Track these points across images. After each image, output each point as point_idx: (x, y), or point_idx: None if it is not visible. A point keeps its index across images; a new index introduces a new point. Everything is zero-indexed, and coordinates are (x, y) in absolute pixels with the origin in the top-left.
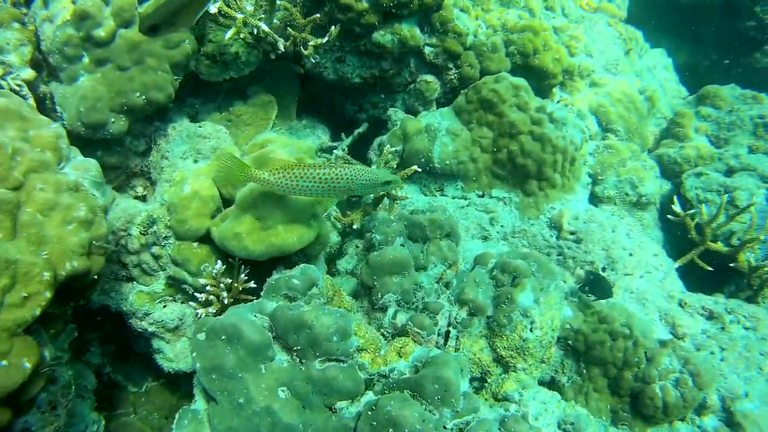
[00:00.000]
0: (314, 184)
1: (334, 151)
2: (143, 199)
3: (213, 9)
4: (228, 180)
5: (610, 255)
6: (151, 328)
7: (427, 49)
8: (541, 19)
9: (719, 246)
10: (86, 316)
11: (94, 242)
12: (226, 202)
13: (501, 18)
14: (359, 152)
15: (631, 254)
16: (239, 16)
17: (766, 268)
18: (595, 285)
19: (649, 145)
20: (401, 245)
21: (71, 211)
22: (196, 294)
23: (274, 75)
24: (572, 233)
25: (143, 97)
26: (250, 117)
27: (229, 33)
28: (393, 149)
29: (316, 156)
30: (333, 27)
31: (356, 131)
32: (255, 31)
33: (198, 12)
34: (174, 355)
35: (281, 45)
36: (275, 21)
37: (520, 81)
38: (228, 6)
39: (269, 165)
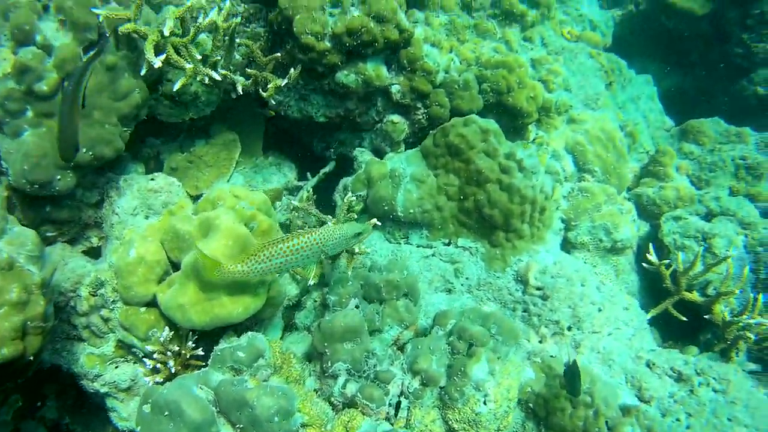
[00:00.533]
0: (287, 257)
1: (301, 191)
2: (98, 250)
3: (157, 63)
4: (199, 276)
5: (577, 313)
6: (103, 389)
7: (394, 88)
8: (518, 51)
9: (695, 296)
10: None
11: (29, 323)
12: (175, 264)
13: (476, 51)
14: (326, 191)
15: (600, 309)
16: (188, 66)
17: (740, 324)
18: (567, 378)
19: (628, 184)
20: (356, 306)
21: (2, 295)
22: (144, 359)
23: (239, 111)
24: (539, 289)
25: (90, 153)
26: (212, 158)
27: (178, 84)
28: (353, 197)
29: (272, 208)
30: (293, 69)
31: (322, 171)
32: (206, 80)
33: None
34: (128, 414)
35: (240, 87)
36: (237, 57)
37: (490, 125)
38: (178, 54)
39: (240, 257)
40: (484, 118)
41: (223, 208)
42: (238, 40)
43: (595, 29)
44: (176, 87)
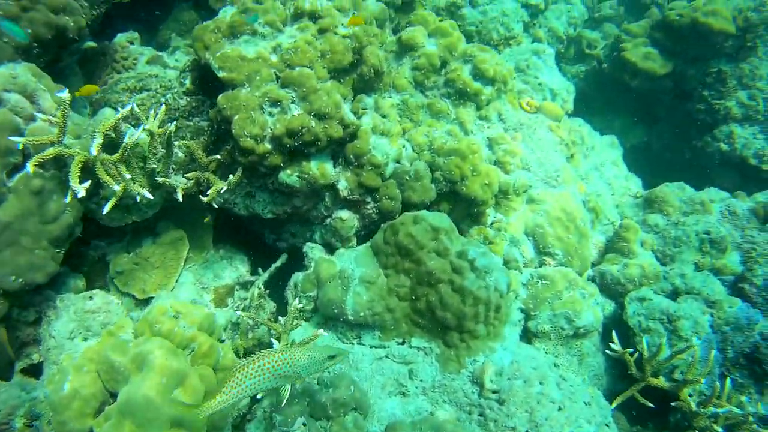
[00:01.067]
0: (260, 377)
1: (252, 287)
2: (40, 367)
3: (81, 193)
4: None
5: (534, 418)
6: None
7: (341, 185)
8: (473, 132)
9: (661, 381)
10: None
11: None
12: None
13: (429, 135)
14: (279, 285)
15: (560, 408)
16: (116, 188)
17: (707, 415)
18: None
19: (591, 260)
20: (303, 425)
21: None
22: None
23: (186, 206)
24: (495, 392)
25: (20, 280)
26: (158, 259)
27: (107, 207)
28: (300, 305)
29: (215, 324)
30: (232, 176)
31: (274, 266)
32: (137, 198)
33: None
34: None
35: (180, 194)
36: (180, 154)
37: (441, 223)
38: (107, 173)
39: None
40: (435, 213)
41: (158, 340)
42: (177, 143)
43: (555, 98)
44: (105, 210)
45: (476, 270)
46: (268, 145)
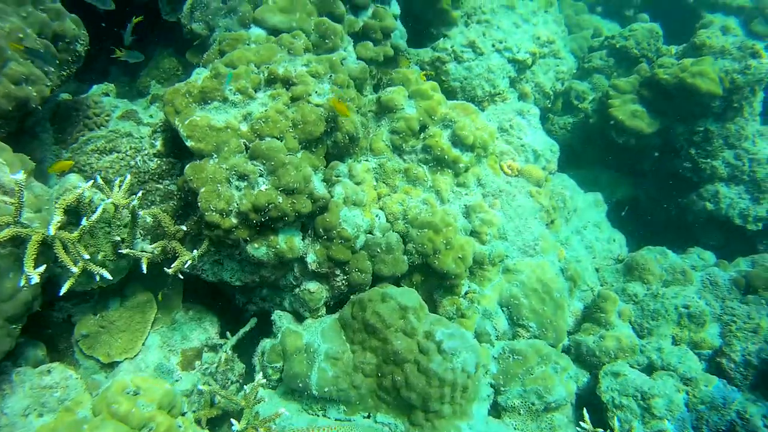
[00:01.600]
0: None
1: (220, 352)
2: None
3: (35, 279)
4: None
5: None
6: None
7: (310, 258)
8: (450, 201)
9: None
10: None
11: None
12: None
13: (403, 203)
14: (248, 349)
15: None
16: (74, 270)
17: None
18: None
19: (568, 329)
20: None
21: None
22: None
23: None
24: None
25: None
26: (124, 322)
27: (64, 288)
28: (263, 382)
29: (176, 399)
30: (196, 251)
31: (242, 330)
32: (98, 276)
33: None
34: None
35: (144, 265)
36: (148, 219)
37: (409, 301)
38: (66, 252)
39: None
40: (404, 290)
41: (113, 425)
42: (143, 212)
43: (537, 159)
44: (62, 291)
45: (443, 352)
46: (234, 220)
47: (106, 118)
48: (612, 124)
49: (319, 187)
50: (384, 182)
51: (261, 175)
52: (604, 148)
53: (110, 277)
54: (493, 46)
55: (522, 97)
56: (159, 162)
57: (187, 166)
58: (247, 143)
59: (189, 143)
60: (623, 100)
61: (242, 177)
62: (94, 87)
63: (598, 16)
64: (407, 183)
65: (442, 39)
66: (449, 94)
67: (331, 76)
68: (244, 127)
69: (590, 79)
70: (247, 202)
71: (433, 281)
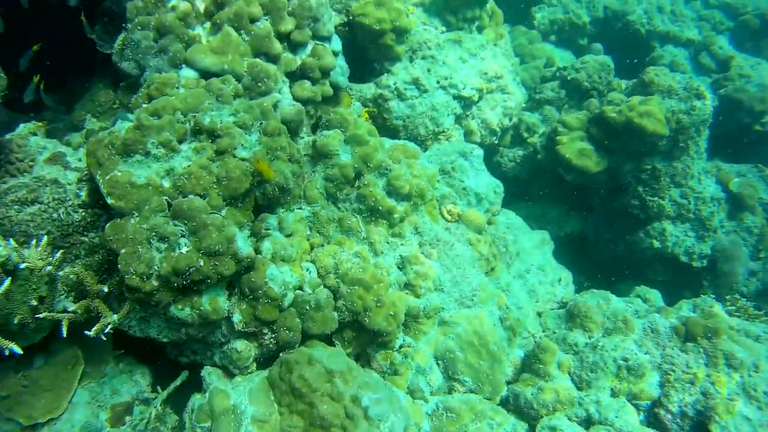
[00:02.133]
0: None
1: (150, 407)
2: None
3: None
4: None
5: None
6: None
7: (236, 318)
8: (384, 253)
9: None
10: None
11: None
12: None
13: (335, 257)
14: (181, 399)
15: None
16: None
17: None
18: None
19: (507, 379)
20: None
21: None
22: None
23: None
24: None
25: None
26: (49, 381)
27: None
28: None
29: None
30: (116, 316)
31: (173, 384)
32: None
33: None
34: None
35: (65, 328)
36: (71, 276)
37: (336, 364)
38: None
39: None
40: (331, 352)
41: None
42: (62, 273)
43: (480, 202)
44: None
45: (369, 419)
46: (156, 283)
47: (30, 163)
48: (560, 162)
49: (243, 248)
50: (318, 232)
51: (183, 236)
52: (553, 182)
53: (20, 351)
54: (438, 82)
55: (468, 134)
56: (84, 213)
57: (108, 225)
58: (169, 200)
59: (109, 201)
60: (571, 138)
61: (163, 238)
62: (21, 126)
63: (552, 44)
64: (341, 233)
65: (385, 75)
66: (392, 132)
67: (261, 123)
68: (166, 183)
69: (541, 110)
70: (168, 266)
71: (366, 337)
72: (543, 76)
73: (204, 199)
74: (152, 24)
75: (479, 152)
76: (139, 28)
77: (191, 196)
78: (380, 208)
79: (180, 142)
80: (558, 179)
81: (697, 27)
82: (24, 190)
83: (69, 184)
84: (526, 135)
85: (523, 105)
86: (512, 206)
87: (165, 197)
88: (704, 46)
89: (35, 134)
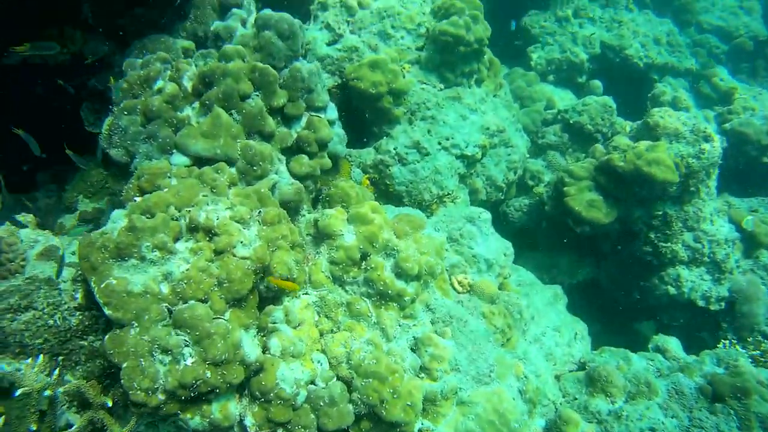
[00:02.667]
0: None
1: None
2: None
3: None
4: None
5: None
6: None
7: (249, 421)
8: (396, 338)
9: None
10: None
11: None
12: None
13: (347, 345)
14: None
15: None
16: None
17: None
18: None
19: None
20: None
21: None
22: None
23: None
24: None
25: None
26: None
27: None
28: None
29: None
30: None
31: None
32: None
33: None
34: None
35: None
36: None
37: None
38: None
39: None
40: None
41: None
42: (61, 390)
43: (491, 267)
44: None
45: None
46: (162, 396)
47: (22, 263)
48: (569, 214)
49: (251, 353)
50: (326, 316)
51: (187, 345)
52: (562, 232)
53: None
54: (440, 144)
55: (473, 192)
56: (81, 316)
57: (107, 337)
58: (169, 307)
59: (107, 311)
60: (579, 188)
61: (166, 350)
62: (10, 219)
63: (551, 84)
64: (351, 318)
65: (384, 139)
66: (395, 198)
67: (259, 212)
68: (165, 289)
69: (545, 156)
70: (173, 380)
71: (383, 427)
72: (544, 119)
73: (206, 303)
74: (139, 108)
75: (486, 216)
76: (126, 113)
77: (192, 302)
78: (390, 292)
79: (176, 240)
80: (566, 229)
81: (693, 55)
82: (17, 296)
83: (64, 282)
84: (531, 183)
85: (526, 156)
86: (521, 257)
87: (165, 304)
88: (703, 76)
89: (25, 226)
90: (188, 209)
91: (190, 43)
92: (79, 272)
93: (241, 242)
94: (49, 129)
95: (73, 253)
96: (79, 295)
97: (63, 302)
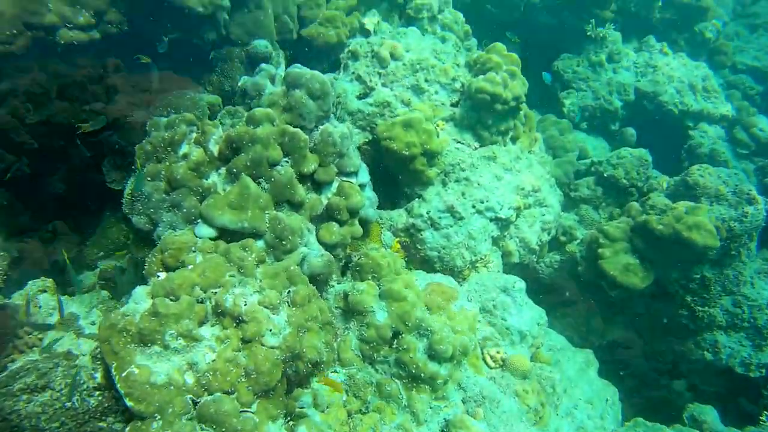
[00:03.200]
0: None
1: None
2: None
3: None
4: None
5: None
6: None
7: None
8: (427, 422)
9: None
10: None
11: None
12: None
13: (375, 429)
14: None
15: None
16: None
17: None
18: None
19: None
20: None
21: None
22: None
23: None
24: None
25: None
26: None
27: None
28: None
29: None
30: None
31: None
32: None
33: None
34: None
35: None
36: None
37: None
38: None
39: None
40: None
41: None
42: None
43: (524, 339)
44: None
45: None
46: None
47: (40, 336)
48: (603, 277)
49: None
50: (354, 395)
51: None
52: (594, 292)
53: None
54: (474, 207)
55: (506, 255)
56: (100, 397)
57: (128, 429)
58: (194, 399)
59: (128, 403)
60: (614, 251)
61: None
62: (29, 284)
63: (583, 132)
64: (380, 398)
65: (417, 201)
66: (426, 263)
67: (289, 292)
68: (189, 380)
69: (577, 209)
70: None
71: None
72: (577, 170)
73: (232, 395)
74: (163, 174)
75: (521, 285)
76: (149, 179)
77: (218, 395)
78: (423, 375)
79: (201, 324)
80: (600, 290)
81: (728, 98)
82: (33, 375)
83: (83, 355)
84: (563, 239)
85: (560, 214)
86: (551, 314)
87: (189, 396)
88: (740, 122)
89: (44, 291)
90: (214, 290)
91: (216, 98)
92: (98, 349)
93: (270, 330)
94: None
95: (93, 323)
96: (98, 375)
97: (81, 382)
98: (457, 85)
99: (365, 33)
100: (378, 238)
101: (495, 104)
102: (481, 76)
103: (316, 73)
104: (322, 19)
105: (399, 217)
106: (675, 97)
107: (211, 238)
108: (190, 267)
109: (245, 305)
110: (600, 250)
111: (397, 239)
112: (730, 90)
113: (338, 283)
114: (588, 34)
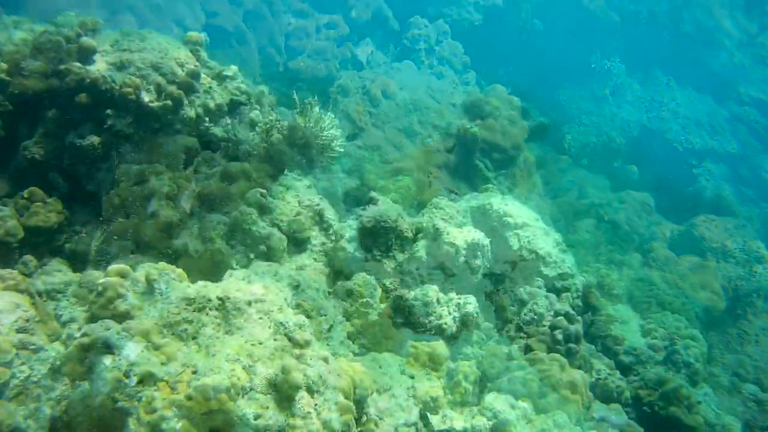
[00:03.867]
0: None
1: None
2: None
3: None
4: None
5: None
6: None
7: None
8: None
9: None
10: None
11: None
12: None
13: None
14: None
15: None
16: None
17: None
18: None
19: None
20: None
21: None
22: None
23: None
24: None
25: None
26: None
27: None
28: None
29: None
30: None
31: None
32: None
33: None
34: None
35: None
36: None
37: None
38: None
39: None
40: None
41: None
42: None
43: None
44: None
45: None
46: None
47: None
48: None
49: None
50: None
51: None
52: None
53: None
54: None
55: None
56: None
57: None
58: None
59: None
60: None
61: None
62: None
63: (584, 168)
64: None
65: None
66: None
67: None
68: None
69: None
70: None
71: None
72: (576, 211)
73: None
74: (130, 233)
75: None
76: (116, 237)
77: None
78: None
79: None
80: None
81: (733, 134)
82: None
83: None
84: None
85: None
86: None
87: None
88: (745, 160)
89: None
90: None
91: (193, 140)
92: None
93: None
94: None
95: None
96: None
97: None
98: (453, 130)
99: (358, 65)
100: None
101: (493, 153)
102: (480, 121)
103: None
104: (310, 50)
105: None
106: (680, 134)
107: None
108: None
109: None
110: None
111: None
112: (735, 124)
113: None
114: (592, 66)
